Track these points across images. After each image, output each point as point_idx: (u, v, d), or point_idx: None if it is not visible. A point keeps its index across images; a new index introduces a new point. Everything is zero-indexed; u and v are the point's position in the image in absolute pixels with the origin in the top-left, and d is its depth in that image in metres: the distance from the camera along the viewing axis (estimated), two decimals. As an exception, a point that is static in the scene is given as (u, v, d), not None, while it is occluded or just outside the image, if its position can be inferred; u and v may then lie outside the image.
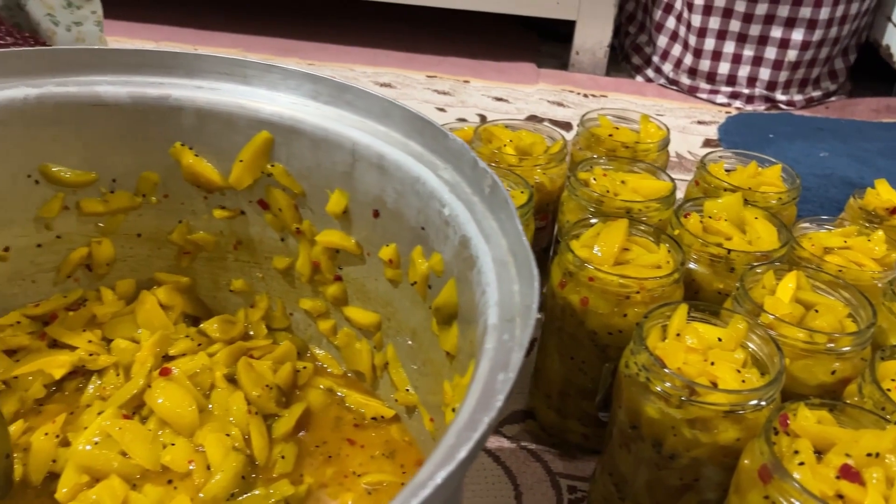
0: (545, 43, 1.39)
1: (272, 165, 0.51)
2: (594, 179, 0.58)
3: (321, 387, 0.55)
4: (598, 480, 0.48)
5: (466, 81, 1.17)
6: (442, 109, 1.07)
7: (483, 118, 1.05)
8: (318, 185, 0.51)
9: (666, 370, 0.39)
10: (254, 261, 0.57)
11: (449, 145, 0.44)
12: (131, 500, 0.44)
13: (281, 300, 0.58)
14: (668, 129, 0.68)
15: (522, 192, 0.55)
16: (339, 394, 0.55)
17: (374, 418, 0.53)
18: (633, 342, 0.42)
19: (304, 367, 0.56)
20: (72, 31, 0.70)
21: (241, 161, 0.52)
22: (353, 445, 0.52)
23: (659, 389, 0.40)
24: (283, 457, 0.49)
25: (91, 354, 0.53)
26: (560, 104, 1.11)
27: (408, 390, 0.51)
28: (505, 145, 0.63)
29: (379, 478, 0.49)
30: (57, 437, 0.47)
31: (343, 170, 0.49)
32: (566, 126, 1.05)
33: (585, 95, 1.15)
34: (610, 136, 0.65)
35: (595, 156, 0.65)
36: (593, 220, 0.53)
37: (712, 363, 0.40)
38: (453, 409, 0.41)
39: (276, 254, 0.55)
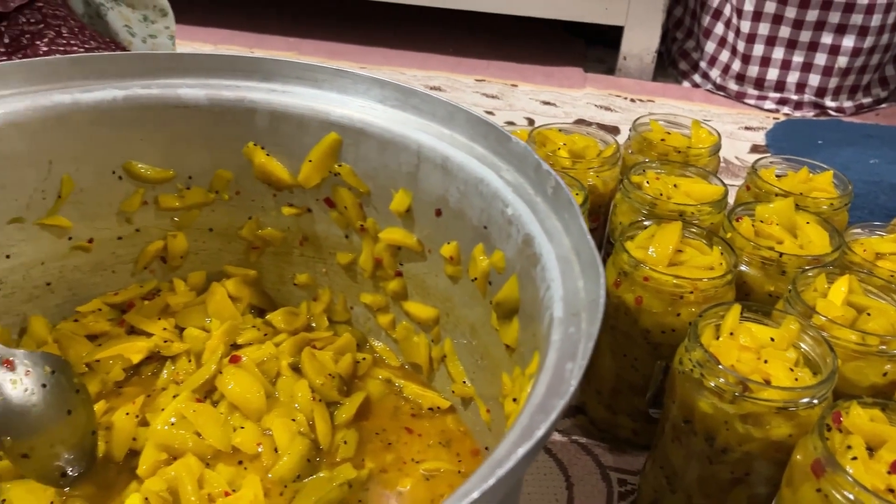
0: (592, 48, 1.40)
1: (339, 165, 0.54)
2: (647, 183, 0.60)
3: (380, 377, 0.58)
4: (649, 474, 0.49)
5: (514, 85, 1.19)
6: (490, 112, 1.09)
7: (531, 121, 1.07)
8: (383, 184, 0.53)
9: (720, 366, 0.41)
10: (318, 256, 0.59)
11: (512, 148, 0.46)
12: (206, 478, 0.47)
13: (343, 294, 0.60)
14: (719, 135, 0.69)
15: (577, 194, 0.57)
16: (396, 384, 0.57)
17: (430, 409, 0.56)
18: (688, 339, 0.43)
19: (364, 359, 0.58)
20: (147, 42, 0.74)
21: (310, 161, 0.54)
22: (410, 434, 0.54)
23: (713, 385, 0.41)
24: (345, 442, 0.52)
25: (165, 341, 0.56)
26: (607, 108, 1.13)
27: (465, 383, 0.54)
28: (559, 148, 0.64)
29: (436, 465, 0.51)
30: (136, 416, 0.51)
31: (408, 170, 0.51)
32: (614, 130, 1.06)
33: (632, 100, 1.16)
34: (662, 140, 0.67)
35: (647, 160, 0.66)
36: (647, 223, 0.54)
37: (765, 361, 0.42)
38: (514, 399, 0.43)
39: (339, 250, 0.58)
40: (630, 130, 0.70)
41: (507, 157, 0.46)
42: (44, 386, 0.45)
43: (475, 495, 0.23)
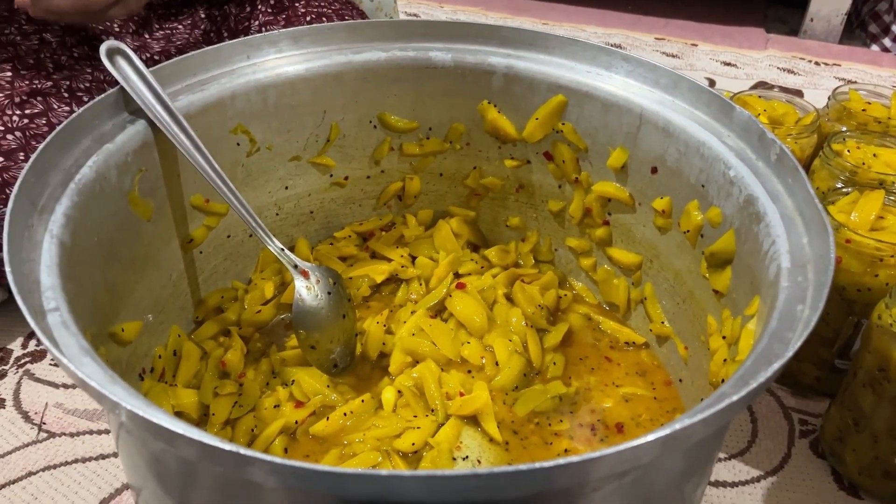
0: (772, 6, 1.38)
1: (563, 124, 0.61)
2: (848, 151, 0.63)
3: (580, 312, 0.66)
4: (835, 415, 0.55)
5: (694, 45, 1.20)
6: (670, 72, 1.12)
7: (712, 82, 1.09)
8: (601, 142, 0.60)
9: (921, 323, 0.46)
10: (531, 203, 0.68)
11: (736, 117, 0.51)
12: (444, 379, 0.57)
13: (549, 237, 0.68)
14: (921, 106, 0.70)
15: (779, 159, 0.61)
16: (594, 320, 0.65)
17: (626, 343, 0.63)
18: (889, 297, 0.48)
19: (565, 295, 0.66)
20: (373, 1, 0.84)
21: (536, 119, 0.62)
22: (609, 362, 0.62)
23: (911, 339, 0.46)
24: (554, 363, 0.60)
25: (402, 266, 0.66)
26: (790, 71, 1.13)
27: (663, 323, 0.60)
28: (759, 114, 0.69)
29: (633, 390, 0.59)
30: (383, 326, 0.61)
31: (628, 131, 0.58)
32: (797, 93, 1.06)
33: (817, 63, 1.15)
34: (863, 110, 0.69)
35: (845, 128, 0.69)
36: (847, 190, 0.58)
37: (966, 322, 0.46)
38: (724, 337, 0.49)
39: (552, 198, 0.66)
40: (829, 99, 0.72)
41: (730, 125, 0.52)
42: (328, 293, 0.56)
43: (744, 392, 0.30)
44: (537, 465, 0.27)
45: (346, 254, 0.67)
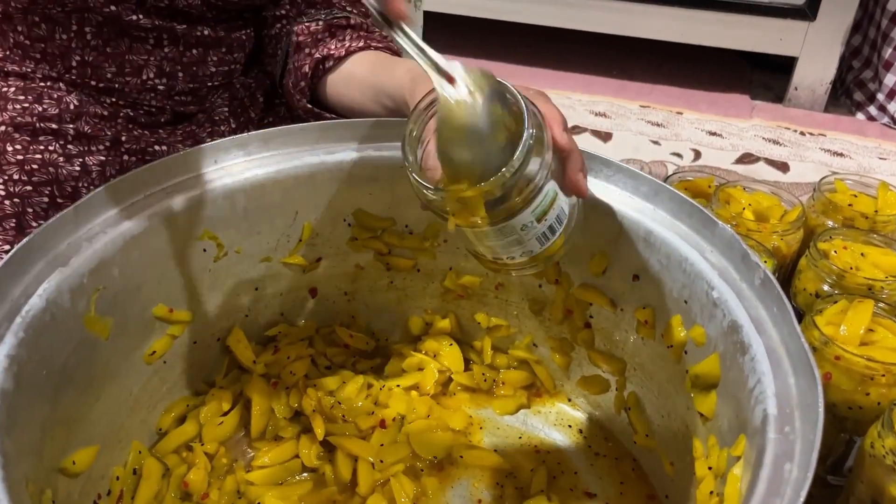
0: (756, 71, 1.38)
1: (542, 225, 0.59)
2: (834, 252, 0.61)
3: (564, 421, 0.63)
4: (828, 541, 0.52)
5: (679, 113, 1.20)
6: (656, 142, 1.11)
7: (697, 154, 1.08)
8: (582, 247, 0.58)
9: (916, 460, 0.43)
10: (511, 300, 0.65)
11: (719, 233, 0.49)
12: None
13: (531, 335, 0.66)
14: (909, 200, 0.69)
15: (766, 261, 0.60)
16: (578, 427, 0.63)
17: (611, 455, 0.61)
18: (882, 426, 0.46)
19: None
20: None
21: (514, 219, 0.60)
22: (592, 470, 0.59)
23: (906, 474, 0.44)
24: (532, 469, 0.58)
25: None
26: (776, 142, 1.12)
27: (647, 435, 0.58)
28: (744, 209, 0.67)
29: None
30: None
31: (609, 238, 0.56)
32: (783, 166, 1.06)
33: (802, 133, 1.15)
34: (849, 205, 0.68)
35: (832, 223, 0.67)
36: (836, 296, 0.56)
37: (963, 458, 0.44)
38: (710, 468, 0.47)
39: (532, 297, 0.64)
40: (814, 190, 0.71)
41: (712, 240, 0.50)
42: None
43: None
44: None
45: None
